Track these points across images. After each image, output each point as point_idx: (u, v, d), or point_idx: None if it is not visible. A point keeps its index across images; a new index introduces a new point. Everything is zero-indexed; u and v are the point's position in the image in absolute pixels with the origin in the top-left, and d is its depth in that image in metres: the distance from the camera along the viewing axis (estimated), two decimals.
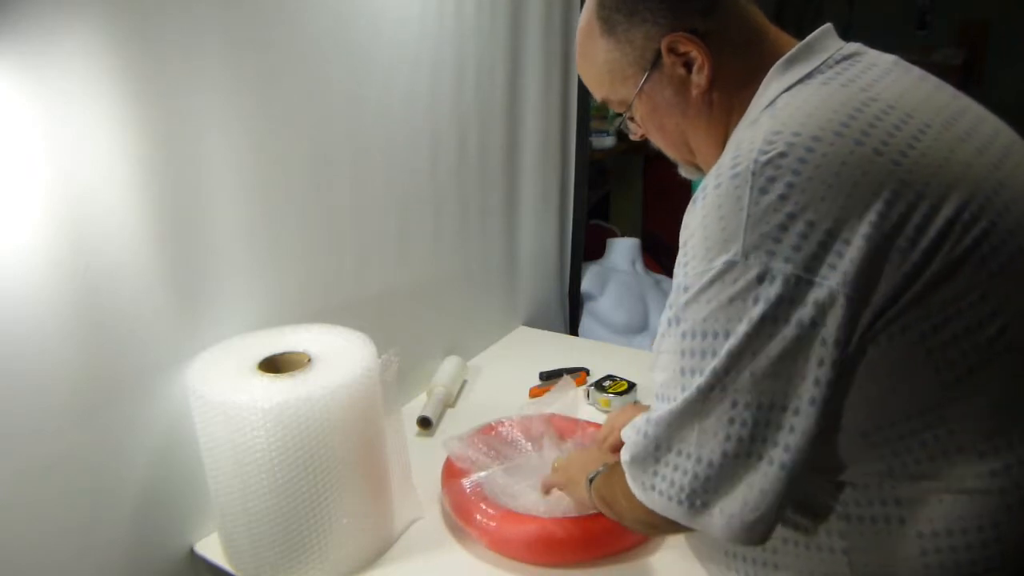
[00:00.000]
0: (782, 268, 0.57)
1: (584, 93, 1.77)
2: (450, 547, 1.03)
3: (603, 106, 2.18)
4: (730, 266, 0.59)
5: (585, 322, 2.05)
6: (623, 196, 2.86)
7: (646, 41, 0.73)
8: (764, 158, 0.60)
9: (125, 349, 0.90)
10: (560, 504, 1.00)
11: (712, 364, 0.60)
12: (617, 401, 1.34)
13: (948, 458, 0.61)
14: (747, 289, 0.58)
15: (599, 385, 1.38)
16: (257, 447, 0.86)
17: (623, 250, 2.31)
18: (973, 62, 3.21)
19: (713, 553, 0.78)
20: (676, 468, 0.63)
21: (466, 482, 1.05)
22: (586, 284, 2.09)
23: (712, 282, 0.60)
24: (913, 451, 0.62)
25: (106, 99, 0.83)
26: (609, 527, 0.94)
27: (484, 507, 0.99)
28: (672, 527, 0.68)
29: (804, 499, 0.67)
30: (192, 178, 0.94)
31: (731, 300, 0.59)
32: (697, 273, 0.62)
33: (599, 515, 0.94)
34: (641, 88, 0.75)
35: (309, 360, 0.94)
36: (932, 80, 0.72)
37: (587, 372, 1.49)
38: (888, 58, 0.72)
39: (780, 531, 0.68)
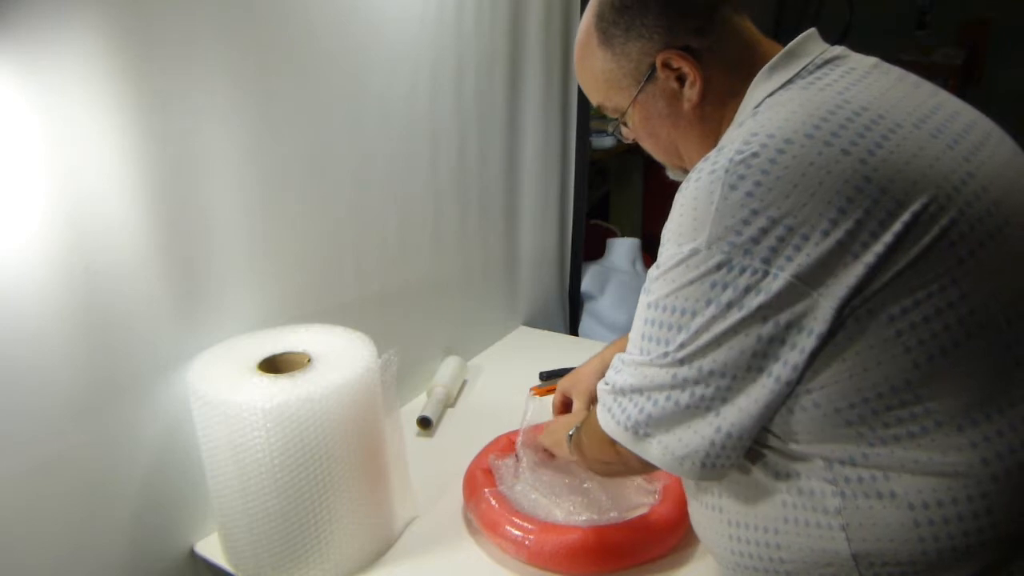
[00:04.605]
0: (740, 259, 0.63)
1: (584, 94, 1.77)
2: (450, 547, 1.03)
3: None
4: (694, 253, 0.66)
5: (585, 322, 2.05)
6: (623, 196, 2.86)
7: (641, 56, 0.78)
8: (739, 157, 0.65)
9: (125, 349, 0.90)
10: (572, 510, 1.01)
11: (675, 336, 0.68)
12: None
13: (927, 433, 0.64)
14: (707, 274, 0.65)
15: None
16: (257, 447, 0.87)
17: (623, 250, 2.30)
18: (973, 62, 3.21)
19: (718, 537, 0.80)
20: (634, 404, 0.72)
21: (490, 491, 1.04)
22: (586, 284, 2.09)
23: (677, 264, 0.67)
24: (891, 426, 0.65)
25: (106, 99, 0.83)
26: (628, 537, 0.96)
27: (518, 520, 0.99)
28: (624, 465, 0.77)
29: (799, 479, 0.71)
30: (192, 178, 0.94)
31: (691, 282, 0.66)
32: (668, 255, 0.69)
33: (622, 524, 0.97)
34: (635, 98, 0.81)
35: (309, 360, 0.94)
36: (911, 79, 0.76)
37: None
38: (869, 60, 0.76)
39: (780, 511, 0.72)
